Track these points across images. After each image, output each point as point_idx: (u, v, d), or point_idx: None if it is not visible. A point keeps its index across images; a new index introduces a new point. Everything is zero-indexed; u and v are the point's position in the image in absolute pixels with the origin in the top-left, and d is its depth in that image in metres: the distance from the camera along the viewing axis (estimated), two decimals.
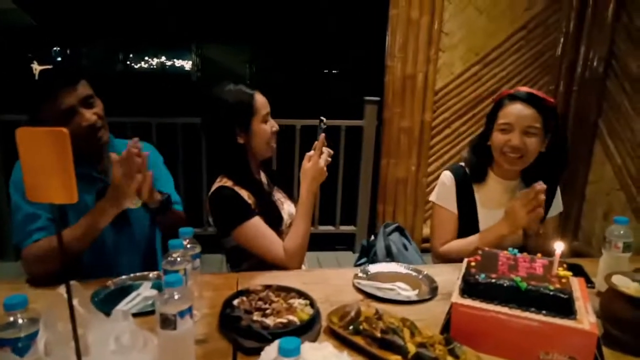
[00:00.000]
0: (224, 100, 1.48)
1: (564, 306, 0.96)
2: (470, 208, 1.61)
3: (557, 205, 1.66)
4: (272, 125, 1.54)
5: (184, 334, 0.85)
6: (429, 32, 3.25)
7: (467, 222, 1.60)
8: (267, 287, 1.19)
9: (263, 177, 1.63)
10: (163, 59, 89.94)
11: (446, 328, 1.03)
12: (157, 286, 1.25)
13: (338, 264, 3.36)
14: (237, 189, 1.46)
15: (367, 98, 3.40)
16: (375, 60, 3.47)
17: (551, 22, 3.42)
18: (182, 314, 0.84)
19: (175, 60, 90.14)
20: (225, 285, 1.29)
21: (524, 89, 1.54)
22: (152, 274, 1.36)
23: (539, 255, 1.16)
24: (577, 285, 1.07)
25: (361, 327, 1.02)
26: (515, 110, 1.48)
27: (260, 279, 1.33)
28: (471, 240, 1.55)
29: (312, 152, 1.46)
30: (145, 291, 1.24)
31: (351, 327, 1.04)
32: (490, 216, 1.58)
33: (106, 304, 1.15)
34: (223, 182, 1.48)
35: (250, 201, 1.47)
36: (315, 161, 1.44)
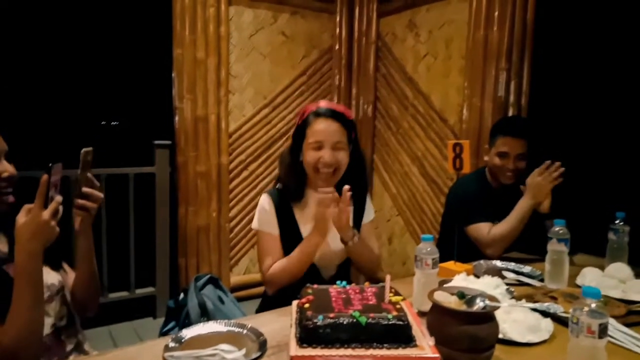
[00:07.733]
0: None
1: (404, 334, 0.91)
2: (292, 228, 1.59)
3: (370, 212, 1.76)
4: (2, 170, 1.15)
5: None
6: (217, 74, 3.21)
7: (290, 242, 1.57)
8: None
9: (3, 242, 1.21)
10: None
11: None
12: None
13: (137, 336, 2.87)
14: None
15: (157, 142, 3.11)
16: (163, 102, 3.23)
17: (325, 70, 3.77)
18: None
19: None
20: None
21: (325, 104, 1.59)
22: None
23: (366, 283, 1.11)
24: (407, 308, 1.04)
25: None
26: (323, 127, 1.52)
27: None
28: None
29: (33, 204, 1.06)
30: None
31: None
32: None
33: None
34: None
35: None
36: (36, 213, 1.04)
